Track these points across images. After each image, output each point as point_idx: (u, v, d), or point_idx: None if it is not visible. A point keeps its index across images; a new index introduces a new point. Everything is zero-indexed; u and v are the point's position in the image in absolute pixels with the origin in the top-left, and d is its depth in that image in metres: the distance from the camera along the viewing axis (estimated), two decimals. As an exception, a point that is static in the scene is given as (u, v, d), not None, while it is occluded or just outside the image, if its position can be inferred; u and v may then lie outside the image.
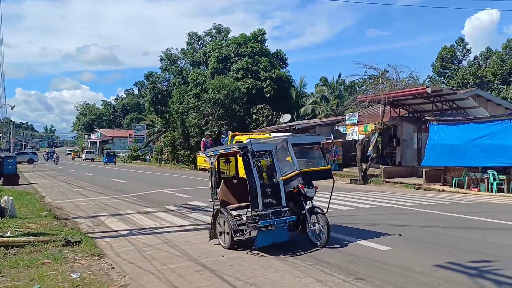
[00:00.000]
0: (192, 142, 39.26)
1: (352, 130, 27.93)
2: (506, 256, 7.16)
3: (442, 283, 5.83)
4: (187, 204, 14.69)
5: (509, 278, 5.93)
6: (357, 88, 45.05)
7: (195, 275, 6.54)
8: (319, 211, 7.98)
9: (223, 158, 8.83)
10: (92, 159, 69.32)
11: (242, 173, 8.99)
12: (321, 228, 7.82)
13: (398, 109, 25.98)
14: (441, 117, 21.47)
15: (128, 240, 9.13)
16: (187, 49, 50.52)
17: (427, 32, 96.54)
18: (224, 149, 8.38)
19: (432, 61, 49.99)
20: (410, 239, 8.67)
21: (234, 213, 7.98)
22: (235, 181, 8.71)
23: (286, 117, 34.59)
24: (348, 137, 28.29)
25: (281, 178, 7.70)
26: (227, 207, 8.08)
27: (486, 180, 18.04)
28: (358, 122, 27.56)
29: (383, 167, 24.36)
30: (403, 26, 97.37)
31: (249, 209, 7.53)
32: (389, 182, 22.63)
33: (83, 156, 74.32)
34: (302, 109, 42.80)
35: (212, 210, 8.73)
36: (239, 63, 40.43)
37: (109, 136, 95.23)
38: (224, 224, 7.95)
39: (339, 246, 7.97)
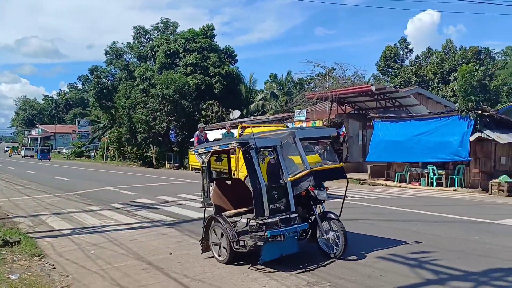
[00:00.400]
0: (140, 138, 38.42)
1: (300, 126, 28.31)
2: (443, 246, 7.53)
3: (383, 273, 6.05)
4: (134, 201, 14.35)
5: (445, 268, 6.24)
6: (306, 85, 45.86)
7: (141, 273, 6.41)
8: (333, 217, 6.78)
9: (214, 156, 7.62)
10: (32, 156, 66.21)
11: (244, 172, 8.28)
12: (336, 236, 6.69)
13: (345, 106, 26.66)
14: (384, 114, 22.27)
15: (71, 240, 8.79)
16: (134, 43, 49.31)
17: (372, 31, 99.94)
18: (219, 146, 6.93)
19: (376, 60, 51.71)
20: (355, 233, 8.91)
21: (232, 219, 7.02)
22: (229, 183, 7.58)
23: (236, 113, 34.49)
24: (297, 134, 28.60)
25: (289, 179, 6.51)
26: (223, 213, 6.81)
27: (426, 175, 18.91)
28: (306, 118, 28.00)
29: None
30: (349, 25, 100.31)
31: (249, 216, 6.56)
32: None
33: (22, 152, 71.16)
34: (252, 106, 42.96)
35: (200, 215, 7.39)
36: (187, 58, 39.94)
37: (51, 132, 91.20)
38: (221, 235, 6.67)
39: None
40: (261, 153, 6.64)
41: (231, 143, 6.75)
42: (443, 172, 18.32)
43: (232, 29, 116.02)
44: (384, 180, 20.91)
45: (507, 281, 5.73)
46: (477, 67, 38.03)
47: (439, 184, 18.32)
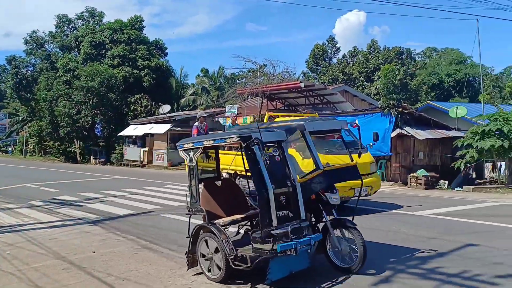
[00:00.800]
0: (62, 132, 36.43)
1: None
2: (368, 239, 7.82)
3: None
4: (55, 198, 13.60)
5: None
6: (237, 81, 45.97)
7: (62, 273, 6.07)
8: (349, 224, 5.83)
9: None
10: None
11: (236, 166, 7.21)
12: (351, 248, 5.76)
13: (275, 102, 27.01)
14: (313, 110, 22.85)
15: (-18, 241, 8.14)
16: (56, 32, 46.59)
17: (302, 29, 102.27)
18: (213, 140, 5.67)
19: (306, 58, 52.97)
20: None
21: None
22: (218, 184, 6.49)
23: (166, 107, 33.93)
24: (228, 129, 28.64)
25: (298, 180, 5.51)
26: (215, 222, 5.66)
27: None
28: (237, 114, 28.04)
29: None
30: (280, 22, 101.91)
31: (243, 224, 5.84)
32: (266, 172, 23.43)
33: None
34: (183, 100, 42.31)
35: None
36: (114, 50, 38.43)
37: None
38: (215, 249, 5.52)
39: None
40: (266, 149, 5.51)
41: (229, 137, 5.47)
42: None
43: (162, 21, 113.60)
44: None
45: (421, 268, 6.07)
46: (398, 67, 40.13)
47: (363, 178, 19.07)
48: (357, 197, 7.57)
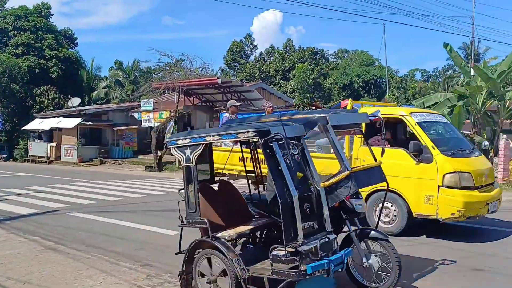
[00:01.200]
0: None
1: (147, 117, 27.67)
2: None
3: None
4: None
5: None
6: (153, 75, 44.80)
7: (-49, 280, 5.50)
8: (379, 236, 5.04)
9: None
10: None
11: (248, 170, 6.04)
12: (380, 264, 4.95)
13: (192, 98, 26.80)
14: (230, 107, 22.99)
15: None
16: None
17: (220, 25, 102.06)
18: (219, 135, 4.58)
19: (224, 54, 53.04)
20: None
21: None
22: (215, 188, 5.39)
23: (75, 100, 32.07)
24: (144, 124, 27.97)
25: (322, 185, 4.46)
26: (219, 235, 4.58)
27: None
28: (153, 109, 27.42)
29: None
30: (198, 17, 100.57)
31: (240, 236, 4.84)
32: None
33: None
34: (95, 93, 40.38)
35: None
36: (18, 38, 35.62)
37: None
38: (221, 271, 4.50)
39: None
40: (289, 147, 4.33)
41: (241, 132, 4.33)
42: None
43: (73, 10, 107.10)
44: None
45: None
46: (312, 67, 41.65)
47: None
48: (489, 213, 7.15)
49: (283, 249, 4.01)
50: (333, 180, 4.67)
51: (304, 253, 3.97)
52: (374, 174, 5.25)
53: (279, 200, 4.01)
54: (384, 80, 45.47)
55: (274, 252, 4.08)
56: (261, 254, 4.59)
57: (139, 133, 29.65)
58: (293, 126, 4.65)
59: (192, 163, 4.64)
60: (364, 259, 4.88)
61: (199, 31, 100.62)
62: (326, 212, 4.37)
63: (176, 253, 4.99)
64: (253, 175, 5.80)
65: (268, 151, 4.18)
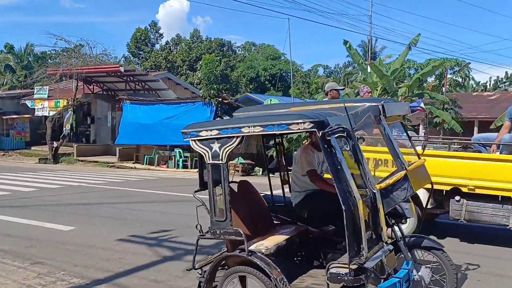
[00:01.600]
0: None
1: (41, 105, 25.77)
2: (181, 224, 7.82)
3: (123, 255, 5.95)
4: None
5: (182, 244, 6.54)
6: (49, 60, 41.72)
7: None
8: (433, 244, 4.41)
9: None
10: None
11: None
12: (431, 276, 4.28)
13: (92, 86, 25.41)
14: (134, 96, 22.18)
15: None
16: None
17: (124, 10, 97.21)
18: (262, 126, 3.57)
19: (127, 41, 50.92)
20: (96, 217, 8.61)
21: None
22: (235, 188, 4.31)
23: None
24: (37, 113, 26.03)
25: (377, 187, 3.57)
26: (253, 249, 3.76)
27: (173, 158, 19.73)
28: (49, 97, 25.59)
29: (76, 145, 23.58)
30: (99, 0, 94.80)
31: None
32: (82, 161, 22.10)
33: None
34: (-20, 79, 36.75)
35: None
36: None
37: None
38: None
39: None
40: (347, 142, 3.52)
41: (295, 123, 3.42)
42: (188, 154, 19.40)
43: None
44: (134, 163, 20.88)
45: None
46: (220, 58, 41.63)
47: (185, 166, 19.33)
48: None
49: (345, 266, 3.28)
50: (389, 181, 3.89)
51: (370, 271, 3.31)
52: (422, 173, 4.53)
53: (343, 207, 3.24)
54: (289, 74, 46.88)
55: (333, 270, 3.39)
56: (294, 269, 4.00)
57: (32, 123, 27.55)
58: (338, 116, 3.74)
59: (222, 160, 3.74)
60: (414, 272, 4.09)
61: (101, 15, 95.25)
62: (382, 218, 3.54)
63: (188, 269, 4.19)
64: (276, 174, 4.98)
65: (327, 147, 3.41)
